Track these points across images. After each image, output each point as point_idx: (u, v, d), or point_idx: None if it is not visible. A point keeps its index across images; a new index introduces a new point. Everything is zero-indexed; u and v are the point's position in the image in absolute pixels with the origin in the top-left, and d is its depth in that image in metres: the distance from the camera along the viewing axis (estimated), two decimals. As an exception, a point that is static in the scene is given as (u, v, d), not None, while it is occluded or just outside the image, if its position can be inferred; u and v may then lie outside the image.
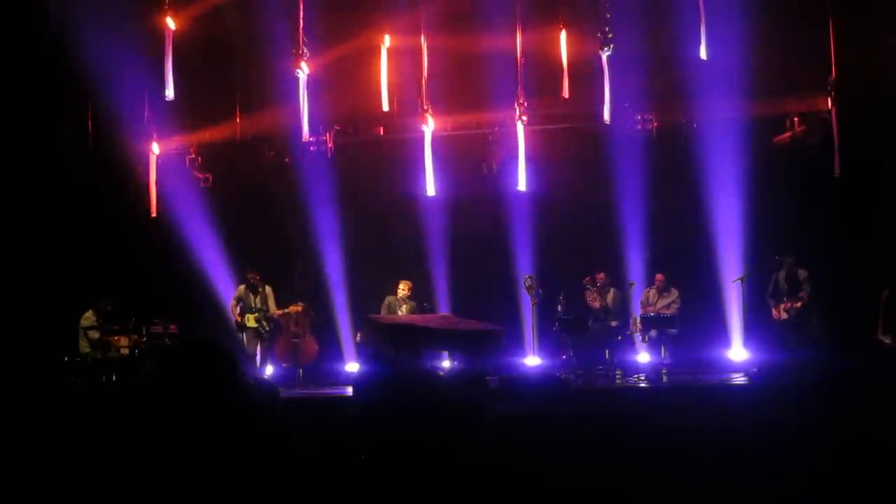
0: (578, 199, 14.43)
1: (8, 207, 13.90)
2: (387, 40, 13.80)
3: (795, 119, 13.48)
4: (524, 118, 13.46)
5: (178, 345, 10.71)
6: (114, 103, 13.63)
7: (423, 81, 13.64)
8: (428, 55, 13.60)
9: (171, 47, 13.06)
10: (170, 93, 12.99)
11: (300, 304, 13.98)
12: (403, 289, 13.85)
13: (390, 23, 13.94)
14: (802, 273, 12.88)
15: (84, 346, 13.20)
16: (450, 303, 14.69)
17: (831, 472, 2.61)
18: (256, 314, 13.70)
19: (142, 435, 2.89)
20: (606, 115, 13.07)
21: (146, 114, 13.96)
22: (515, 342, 13.71)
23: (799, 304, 12.78)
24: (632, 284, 13.76)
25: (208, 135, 14.90)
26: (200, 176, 14.80)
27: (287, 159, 14.82)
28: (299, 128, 13.25)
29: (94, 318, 13.28)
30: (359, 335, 13.78)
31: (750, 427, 3.53)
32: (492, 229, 14.75)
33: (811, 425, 2.75)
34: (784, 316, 12.86)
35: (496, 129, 14.45)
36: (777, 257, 13.09)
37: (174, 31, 13.30)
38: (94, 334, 13.16)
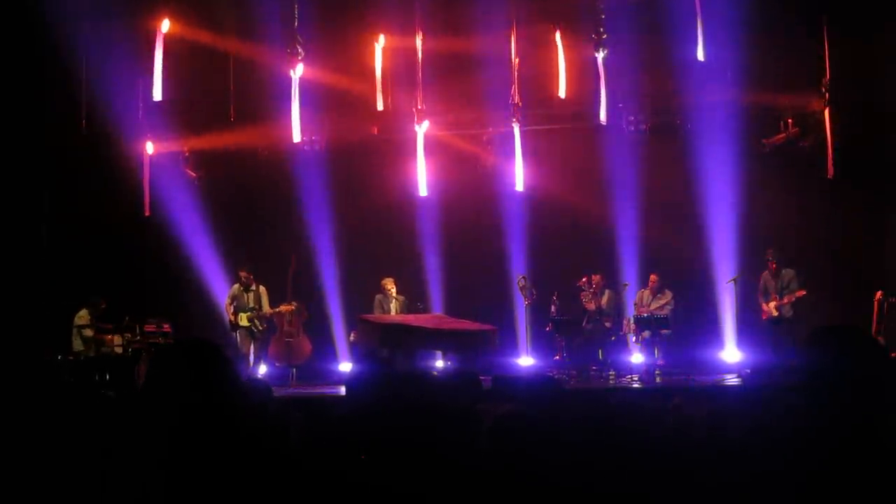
0: (572, 199, 14.44)
1: (1, 206, 13.88)
2: (381, 40, 13.78)
3: (789, 120, 13.49)
4: (518, 119, 13.45)
5: (173, 343, 10.69)
6: (108, 103, 13.60)
7: (418, 81, 13.63)
8: (423, 55, 13.59)
9: (161, 48, 13.03)
10: (157, 94, 12.98)
11: (293, 303, 13.95)
12: (390, 286, 13.86)
13: (385, 22, 13.92)
14: (789, 272, 12.87)
15: (77, 345, 13.23)
16: (443, 303, 14.69)
17: (825, 473, 2.61)
18: (249, 313, 13.68)
19: (135, 435, 2.88)
20: (602, 116, 13.06)
21: (140, 113, 13.93)
22: (509, 342, 13.71)
23: (786, 301, 12.78)
24: (626, 285, 13.77)
25: (202, 134, 14.86)
26: (193, 175, 14.78)
27: (281, 159, 14.79)
28: (293, 127, 13.22)
29: (89, 317, 13.28)
30: (352, 335, 13.78)
31: (742, 428, 3.52)
32: (485, 229, 14.75)
33: (804, 426, 2.75)
34: (775, 313, 12.86)
35: (490, 129, 14.45)
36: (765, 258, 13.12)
37: (169, 32, 13.27)
38: (89, 332, 13.16)
